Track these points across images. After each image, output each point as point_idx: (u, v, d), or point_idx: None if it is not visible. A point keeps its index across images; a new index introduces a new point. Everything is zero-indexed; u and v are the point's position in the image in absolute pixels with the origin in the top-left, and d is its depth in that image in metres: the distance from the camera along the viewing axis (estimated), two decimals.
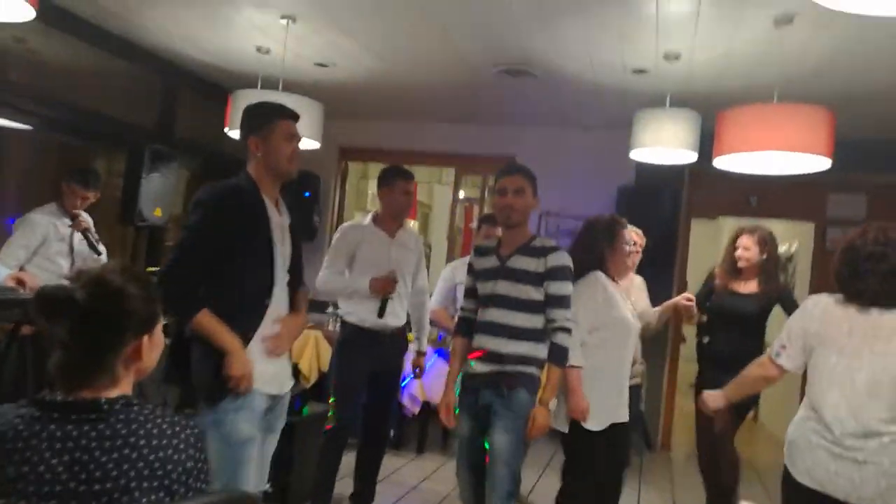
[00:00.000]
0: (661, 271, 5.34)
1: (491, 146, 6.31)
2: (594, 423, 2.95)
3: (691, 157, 4.30)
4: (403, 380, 4.57)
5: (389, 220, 3.69)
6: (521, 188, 2.86)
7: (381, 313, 3.56)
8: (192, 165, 5.99)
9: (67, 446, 1.24)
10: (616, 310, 3.03)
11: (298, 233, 2.70)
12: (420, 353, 3.94)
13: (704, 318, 3.94)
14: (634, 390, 3.37)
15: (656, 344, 5.32)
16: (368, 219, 3.73)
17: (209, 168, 5.96)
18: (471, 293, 3.04)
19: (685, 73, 4.38)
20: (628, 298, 3.34)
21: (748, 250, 3.83)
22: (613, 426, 3.01)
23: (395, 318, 3.64)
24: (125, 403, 1.30)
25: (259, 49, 4.69)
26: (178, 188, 5.56)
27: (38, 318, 1.29)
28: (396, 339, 3.71)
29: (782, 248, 5.70)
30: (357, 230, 3.69)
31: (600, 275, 3.06)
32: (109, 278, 1.33)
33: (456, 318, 3.18)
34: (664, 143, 4.22)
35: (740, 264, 3.85)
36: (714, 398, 2.75)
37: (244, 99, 4.05)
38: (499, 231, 3.34)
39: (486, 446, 2.82)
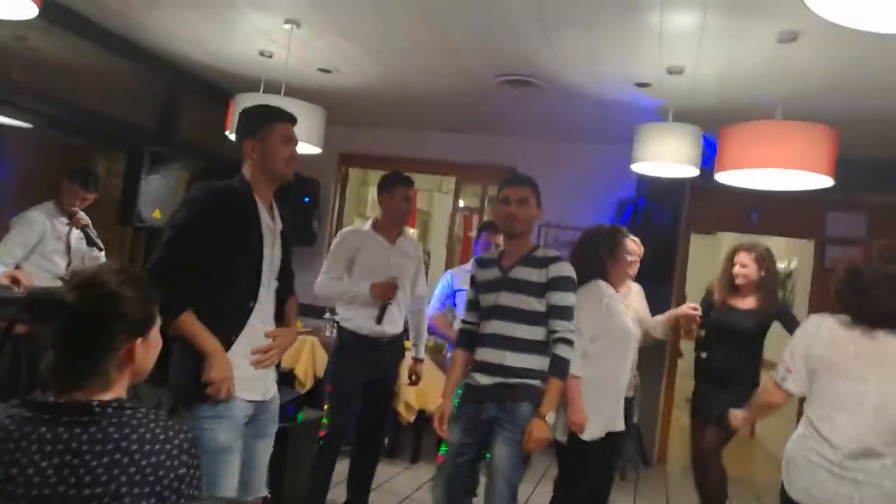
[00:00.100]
0: (660, 285, 5.32)
1: (491, 156, 6.31)
2: (592, 433, 2.94)
3: (693, 171, 4.30)
4: None
5: (389, 227, 3.67)
6: (525, 198, 2.84)
7: (379, 320, 3.54)
8: (192, 168, 5.96)
9: (58, 449, 1.21)
10: (617, 318, 3.04)
11: (296, 239, 2.67)
12: (417, 361, 3.92)
13: (703, 332, 3.93)
14: (628, 402, 3.36)
15: (653, 359, 5.30)
16: (368, 225, 3.71)
17: (209, 171, 5.92)
18: (473, 305, 3.00)
19: (688, 88, 4.37)
20: (630, 307, 3.34)
21: (745, 267, 3.82)
22: (610, 434, 3.00)
23: (392, 325, 3.62)
24: (118, 407, 1.28)
25: (262, 53, 4.68)
26: (177, 190, 5.53)
27: (28, 321, 1.28)
28: (393, 347, 3.69)
29: (781, 265, 5.71)
30: (357, 236, 3.68)
31: (602, 283, 3.07)
32: (103, 280, 1.31)
33: (454, 326, 3.16)
34: (666, 158, 4.22)
35: (738, 281, 3.84)
36: (737, 417, 2.95)
37: (246, 102, 3.98)
38: (499, 238, 3.33)
39: (487, 457, 2.78)
